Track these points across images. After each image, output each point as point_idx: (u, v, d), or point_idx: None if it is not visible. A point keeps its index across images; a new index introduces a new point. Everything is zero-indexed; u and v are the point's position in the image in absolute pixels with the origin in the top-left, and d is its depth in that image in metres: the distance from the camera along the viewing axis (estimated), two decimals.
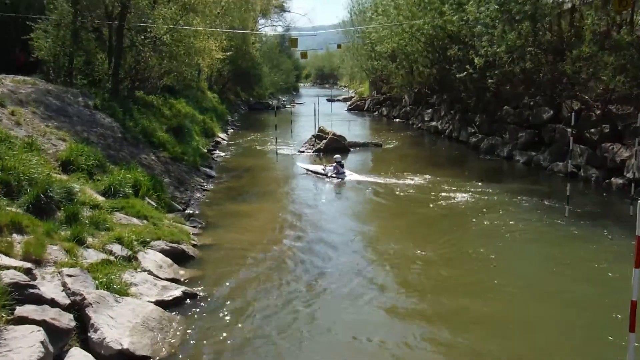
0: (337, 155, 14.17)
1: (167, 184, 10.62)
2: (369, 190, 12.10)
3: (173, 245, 7.31)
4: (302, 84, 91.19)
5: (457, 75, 18.58)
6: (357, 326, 5.54)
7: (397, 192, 11.81)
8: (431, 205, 10.56)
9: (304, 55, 33.23)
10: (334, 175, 13.44)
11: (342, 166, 13.78)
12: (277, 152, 16.98)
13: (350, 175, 13.43)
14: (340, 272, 6.99)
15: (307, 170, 14.54)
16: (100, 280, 5.40)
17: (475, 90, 19.18)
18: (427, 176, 13.35)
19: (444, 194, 11.48)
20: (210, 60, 19.64)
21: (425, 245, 8.02)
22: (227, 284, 6.57)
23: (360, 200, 11.53)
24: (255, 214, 10.10)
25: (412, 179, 13.09)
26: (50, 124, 9.27)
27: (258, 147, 19.70)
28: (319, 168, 14.42)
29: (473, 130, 19.36)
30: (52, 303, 4.67)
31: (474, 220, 9.50)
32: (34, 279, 4.88)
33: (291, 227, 9.24)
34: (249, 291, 6.37)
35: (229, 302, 6.03)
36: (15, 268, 4.75)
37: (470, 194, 11.47)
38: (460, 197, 11.20)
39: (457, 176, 13.35)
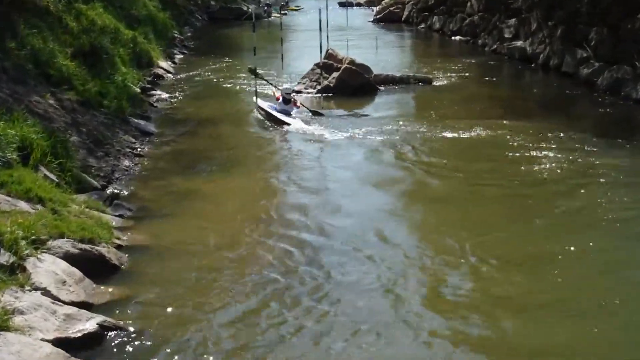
0: (286, 86, 15.84)
1: (76, 146, 10.68)
2: (405, 150, 12.34)
3: (85, 246, 7.34)
4: None
5: None
6: None
7: (451, 155, 11.93)
8: (506, 178, 10.70)
9: None
10: (273, 113, 14.44)
11: (289, 102, 14.62)
12: (256, 93, 16.82)
13: (296, 121, 14.20)
14: (346, 293, 7.01)
15: (260, 108, 15.46)
16: None
17: None
18: (504, 130, 13.45)
19: (528, 155, 11.68)
20: None
21: (493, 244, 8.07)
22: (171, 310, 6.61)
23: (386, 168, 11.64)
24: (217, 196, 10.17)
25: (476, 133, 13.26)
26: None
27: (225, 85, 19.66)
28: (266, 105, 15.27)
29: (585, 55, 19.13)
30: None
31: (576, 199, 9.66)
32: None
33: (274, 216, 9.30)
34: (205, 323, 6.40)
35: (172, 341, 6.06)
36: None
37: (575, 157, 11.61)
38: (557, 162, 11.34)
39: (555, 129, 13.41)
